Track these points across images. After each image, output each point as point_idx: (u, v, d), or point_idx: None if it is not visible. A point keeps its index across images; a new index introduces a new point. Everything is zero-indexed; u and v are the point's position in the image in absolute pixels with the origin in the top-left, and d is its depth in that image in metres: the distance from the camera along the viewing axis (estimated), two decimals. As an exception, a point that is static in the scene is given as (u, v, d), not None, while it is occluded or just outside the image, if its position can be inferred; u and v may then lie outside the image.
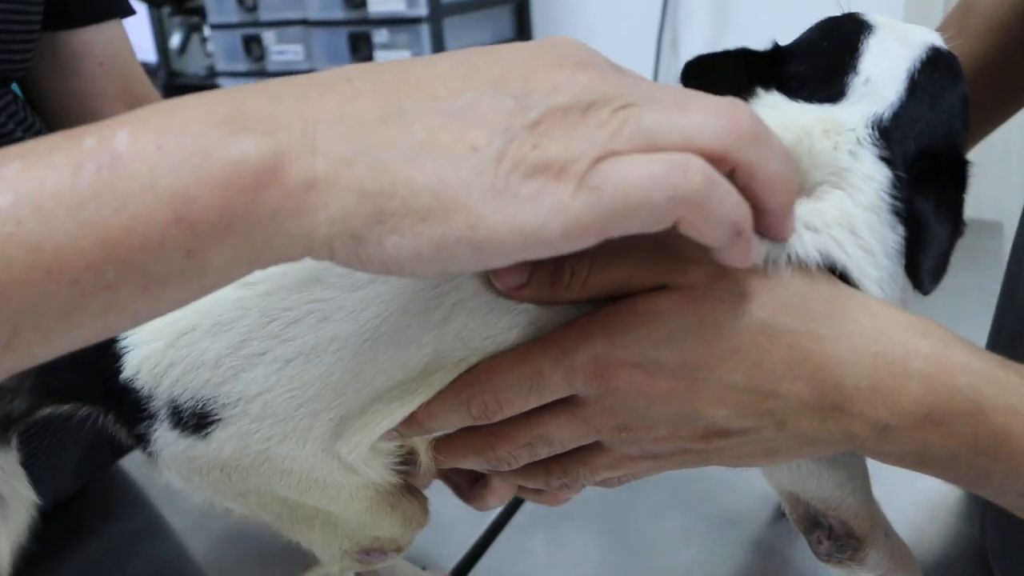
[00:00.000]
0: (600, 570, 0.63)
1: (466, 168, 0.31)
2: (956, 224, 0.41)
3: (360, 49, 1.54)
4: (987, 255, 0.97)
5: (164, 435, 0.44)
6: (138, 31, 2.16)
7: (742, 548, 0.64)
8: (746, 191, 0.34)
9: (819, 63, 0.46)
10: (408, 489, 0.48)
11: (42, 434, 0.63)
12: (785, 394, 0.37)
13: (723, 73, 0.46)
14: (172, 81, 2.14)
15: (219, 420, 0.43)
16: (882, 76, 0.44)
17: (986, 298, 0.80)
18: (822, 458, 0.44)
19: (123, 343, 0.44)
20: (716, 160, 0.32)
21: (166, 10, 2.06)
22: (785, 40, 0.48)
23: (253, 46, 1.70)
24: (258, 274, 0.42)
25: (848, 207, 0.41)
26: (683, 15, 1.62)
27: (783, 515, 0.61)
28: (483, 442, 0.42)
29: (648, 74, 1.64)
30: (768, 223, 0.36)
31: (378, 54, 1.52)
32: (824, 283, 0.38)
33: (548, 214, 0.31)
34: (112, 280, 0.30)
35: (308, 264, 0.43)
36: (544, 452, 0.42)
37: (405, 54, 1.49)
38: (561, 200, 0.31)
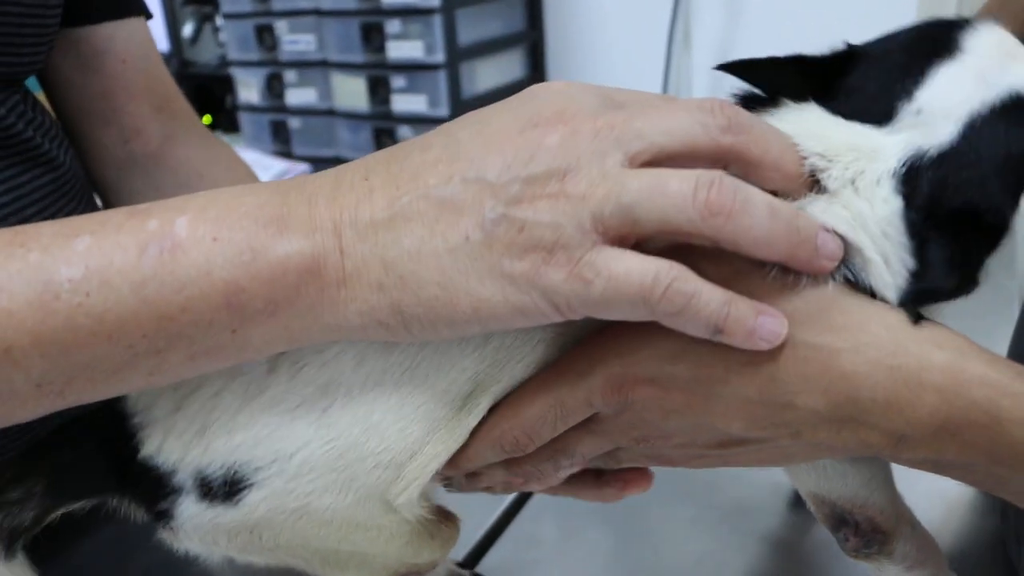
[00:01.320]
0: (611, 559, 0.63)
1: (463, 257, 0.34)
2: (960, 280, 0.39)
3: (372, 39, 1.54)
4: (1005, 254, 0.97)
5: (189, 508, 0.43)
6: (151, 21, 2.17)
7: (753, 538, 0.64)
8: (746, 179, 0.35)
9: (879, 77, 0.42)
10: (441, 515, 0.49)
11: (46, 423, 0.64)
12: (800, 406, 0.37)
13: (762, 80, 0.43)
14: (184, 71, 2.15)
15: (251, 485, 0.42)
16: (939, 111, 0.40)
17: (999, 293, 0.80)
18: (846, 458, 0.43)
19: (135, 420, 0.43)
20: (694, 236, 0.34)
21: (178, 0, 2.06)
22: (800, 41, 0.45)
23: (266, 36, 1.70)
24: None
25: (865, 214, 0.39)
26: (695, 8, 1.62)
27: (797, 504, 0.61)
28: (510, 462, 0.43)
29: (660, 67, 1.63)
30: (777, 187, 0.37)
31: (390, 44, 1.52)
32: (840, 292, 0.38)
33: (540, 297, 0.34)
34: (163, 347, 0.35)
35: None
36: (566, 464, 0.43)
37: (418, 44, 1.49)
38: (554, 284, 0.34)
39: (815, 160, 0.39)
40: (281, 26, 1.67)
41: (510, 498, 0.69)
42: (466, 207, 0.34)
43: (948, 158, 0.39)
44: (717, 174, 0.35)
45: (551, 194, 0.34)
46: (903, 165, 0.39)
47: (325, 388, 0.41)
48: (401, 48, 1.51)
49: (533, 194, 0.34)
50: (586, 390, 0.39)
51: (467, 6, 1.54)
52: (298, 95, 1.73)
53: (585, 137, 0.35)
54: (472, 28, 1.58)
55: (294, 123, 1.76)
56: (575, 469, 0.43)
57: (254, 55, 1.74)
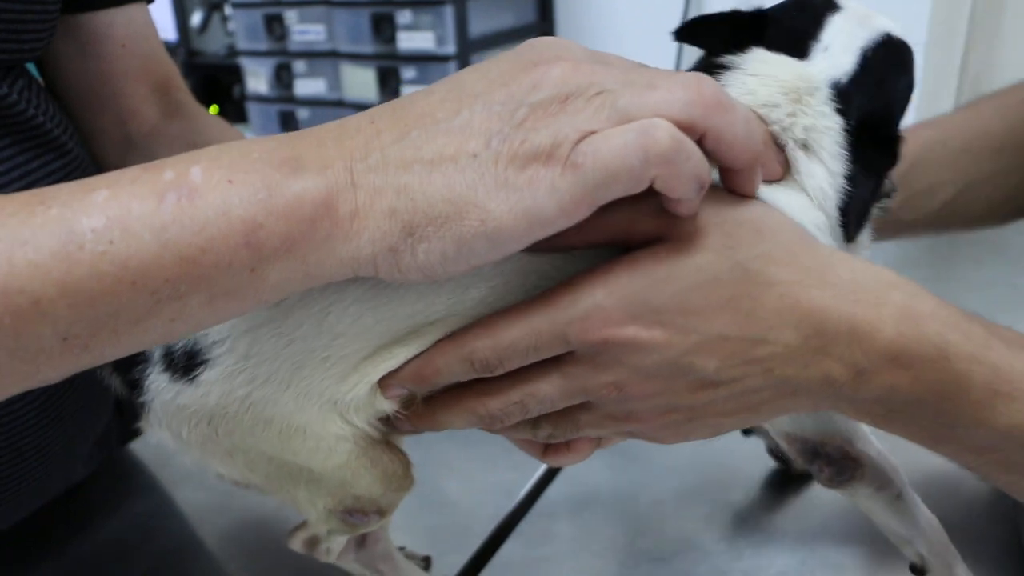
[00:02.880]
0: (625, 555, 0.63)
1: (470, 173, 0.36)
2: (877, 184, 0.46)
3: (383, 30, 1.53)
4: (1014, 250, 0.96)
5: (156, 380, 0.46)
6: (159, 10, 2.16)
7: (768, 534, 0.63)
8: (715, 154, 0.38)
9: (791, 28, 0.51)
10: (388, 446, 0.49)
11: (58, 424, 0.64)
12: (773, 341, 0.40)
13: (713, 33, 0.51)
14: (192, 60, 2.14)
15: (207, 360, 0.44)
16: (839, 47, 0.49)
17: (1012, 292, 0.79)
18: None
19: None
20: (685, 128, 0.36)
21: (187, -12, 2.06)
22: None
23: (275, 25, 1.70)
24: None
25: (818, 168, 0.45)
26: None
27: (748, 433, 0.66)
28: (475, 400, 0.45)
29: (671, 51, 1.62)
30: (736, 181, 0.40)
31: (401, 35, 1.51)
32: (808, 237, 0.42)
33: (543, 197, 0.35)
34: (184, 292, 0.35)
35: None
36: (535, 410, 0.44)
37: (428, 35, 1.48)
38: (551, 182, 0.35)
39: (783, 119, 0.45)
40: (291, 16, 1.66)
41: (522, 494, 0.68)
42: (473, 131, 0.36)
43: (854, 82, 0.47)
44: (699, 75, 0.38)
45: (552, 113, 0.36)
46: (832, 89, 0.47)
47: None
48: (412, 39, 1.51)
49: (536, 115, 0.36)
50: (565, 322, 0.40)
51: (479, -3, 1.53)
52: (307, 85, 1.73)
53: (584, 72, 0.37)
54: (483, 19, 1.57)
55: (303, 113, 1.76)
56: (542, 412, 0.44)
57: (263, 45, 1.73)
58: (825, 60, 0.48)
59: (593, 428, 0.46)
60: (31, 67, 0.76)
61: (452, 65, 1.48)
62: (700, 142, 0.37)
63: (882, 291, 0.40)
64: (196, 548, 0.66)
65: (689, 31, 0.51)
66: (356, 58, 1.60)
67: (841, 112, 0.46)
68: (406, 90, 1.57)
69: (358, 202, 0.36)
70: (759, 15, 0.51)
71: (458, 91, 0.38)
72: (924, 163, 0.66)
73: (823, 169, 0.44)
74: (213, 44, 2.15)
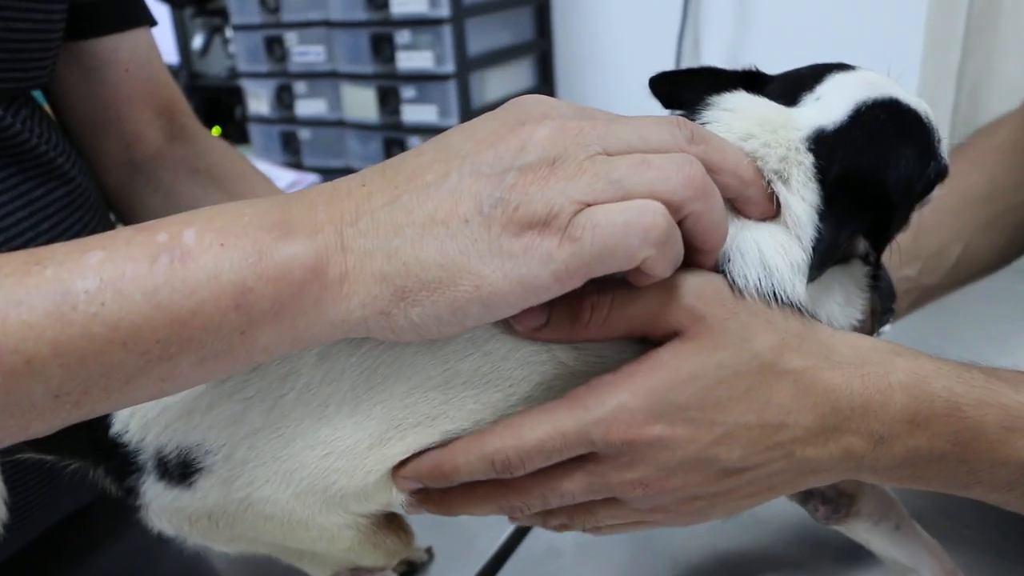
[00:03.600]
0: (630, 572, 0.63)
1: (462, 238, 0.36)
2: (847, 233, 0.44)
3: (382, 50, 1.54)
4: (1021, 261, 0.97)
5: (152, 487, 0.46)
6: (160, 33, 2.18)
7: (772, 550, 0.63)
8: (690, 235, 0.39)
9: (789, 84, 0.49)
10: (391, 527, 0.50)
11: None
12: (792, 424, 0.41)
13: (688, 87, 0.49)
14: (194, 83, 2.16)
15: (202, 469, 0.44)
16: (832, 99, 0.47)
17: (1020, 300, 0.79)
18: None
19: None
20: (673, 209, 0.37)
21: (188, 11, 2.07)
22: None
23: (275, 47, 1.71)
24: None
25: (795, 199, 0.44)
26: (705, 15, 1.62)
27: None
28: (496, 494, 0.44)
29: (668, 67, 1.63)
30: (699, 260, 0.41)
31: (400, 55, 1.52)
32: (808, 322, 0.43)
33: (539, 266, 0.36)
34: (175, 352, 0.36)
35: None
36: (556, 504, 0.44)
37: (427, 55, 1.49)
38: (549, 252, 0.36)
39: (758, 148, 0.44)
40: (291, 37, 1.67)
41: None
42: (463, 195, 0.36)
43: (839, 132, 0.45)
44: (689, 157, 0.39)
45: (543, 177, 0.36)
46: (812, 132, 0.45)
47: (284, 378, 0.43)
48: (411, 58, 1.52)
49: (526, 180, 0.36)
50: (590, 424, 0.40)
51: (476, 16, 1.54)
52: (308, 106, 1.73)
53: (571, 132, 0.37)
54: (481, 38, 1.58)
55: (304, 134, 1.76)
56: (563, 505, 0.44)
57: (264, 67, 1.74)
58: (813, 108, 0.47)
59: (611, 520, 0.45)
60: (37, 94, 0.77)
61: (451, 84, 1.49)
62: (680, 222, 0.38)
63: (886, 361, 0.42)
64: (205, 570, 0.67)
65: (660, 85, 0.50)
66: (356, 78, 1.61)
67: (816, 154, 0.45)
68: (406, 109, 1.58)
69: (348, 266, 0.36)
70: (749, 74, 0.51)
71: (446, 152, 0.38)
72: (926, 229, 0.68)
73: (799, 200, 0.44)
74: (215, 66, 2.16)
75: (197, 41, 2.04)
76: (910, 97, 0.48)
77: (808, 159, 0.44)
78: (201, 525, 0.47)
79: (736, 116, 0.46)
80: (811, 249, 0.43)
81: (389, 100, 1.59)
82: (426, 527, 0.65)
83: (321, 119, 1.72)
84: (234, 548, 0.50)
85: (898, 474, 0.43)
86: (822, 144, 0.45)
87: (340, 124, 1.70)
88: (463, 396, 0.43)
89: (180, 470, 0.45)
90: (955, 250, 0.69)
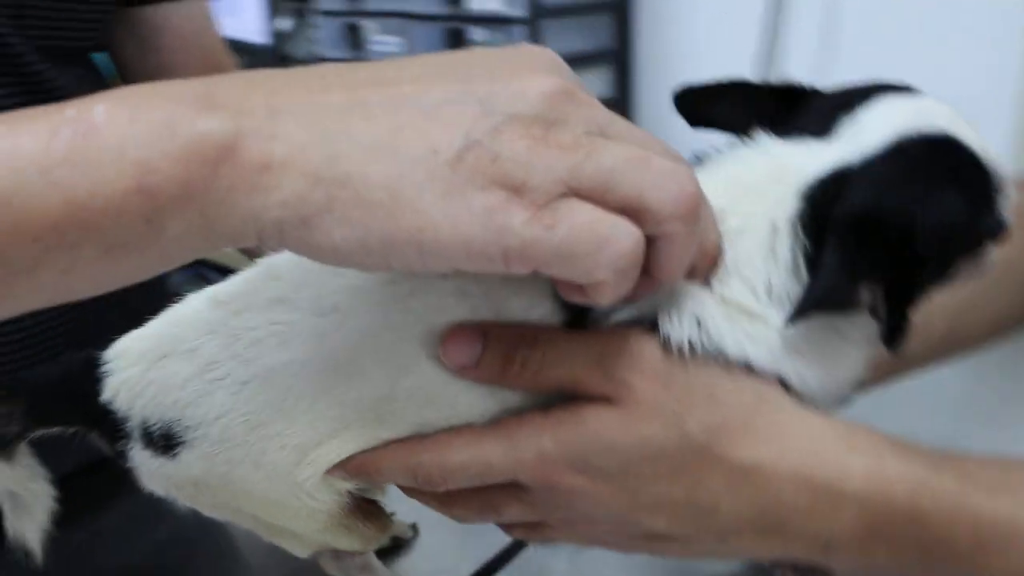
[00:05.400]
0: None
1: (423, 170, 0.31)
2: (839, 285, 0.39)
3: (456, 46, 1.54)
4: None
5: (138, 454, 0.46)
6: (252, 14, 2.23)
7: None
8: (653, 255, 0.35)
9: (828, 105, 0.44)
10: (364, 513, 0.48)
11: None
12: (725, 512, 0.37)
13: (718, 103, 0.45)
14: (284, 65, 2.20)
15: (184, 442, 0.44)
16: (871, 128, 0.41)
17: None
18: None
19: (105, 368, 0.46)
20: (654, 220, 0.33)
21: (279, -5, 2.11)
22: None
23: (355, 35, 1.73)
24: (233, 292, 0.43)
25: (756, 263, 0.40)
26: (787, 35, 1.57)
27: None
28: (439, 499, 0.43)
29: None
30: (647, 286, 0.36)
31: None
32: (767, 396, 0.39)
33: (493, 234, 0.31)
34: (74, 241, 0.31)
35: (279, 284, 0.43)
36: (493, 520, 0.43)
37: (499, 52, 1.49)
38: (510, 224, 0.31)
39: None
40: (370, 26, 1.69)
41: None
42: (440, 120, 0.32)
43: (870, 168, 0.40)
44: (689, 172, 0.34)
45: (534, 136, 0.32)
46: (827, 173, 0.41)
47: (251, 362, 0.43)
48: (483, 55, 1.51)
49: (514, 132, 0.32)
50: (515, 460, 0.38)
51: (554, 17, 1.53)
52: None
53: (577, 99, 0.33)
54: (558, 39, 1.57)
55: (376, 124, 1.78)
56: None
57: (343, 53, 1.77)
58: (845, 139, 0.42)
59: (560, 541, 0.44)
60: (107, 65, 0.80)
61: (521, 84, 1.47)
62: (650, 239, 0.34)
63: (842, 459, 0.37)
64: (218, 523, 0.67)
65: (692, 98, 0.46)
66: (430, 71, 1.61)
67: (810, 200, 0.41)
68: (475, 106, 1.58)
69: (274, 155, 0.31)
70: (791, 88, 0.46)
71: (437, 67, 0.34)
72: None
73: (771, 261, 0.41)
74: (300, 50, 2.20)
75: (285, 23, 2.08)
76: (970, 134, 0.42)
77: (793, 208, 0.41)
78: (187, 491, 0.48)
79: (725, 184, 0.42)
80: (802, 294, 0.40)
81: (459, 96, 1.59)
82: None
83: (394, 110, 1.74)
84: (219, 515, 0.51)
85: (854, 572, 0.40)
86: (837, 184, 0.40)
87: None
88: (405, 408, 0.42)
89: (163, 442, 0.45)
90: (942, 324, 0.61)
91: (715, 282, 0.40)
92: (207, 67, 0.82)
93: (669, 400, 0.37)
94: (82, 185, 0.31)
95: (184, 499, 0.49)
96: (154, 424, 0.45)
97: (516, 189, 0.31)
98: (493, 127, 0.32)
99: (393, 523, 0.52)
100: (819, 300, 0.39)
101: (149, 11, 0.79)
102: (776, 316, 0.40)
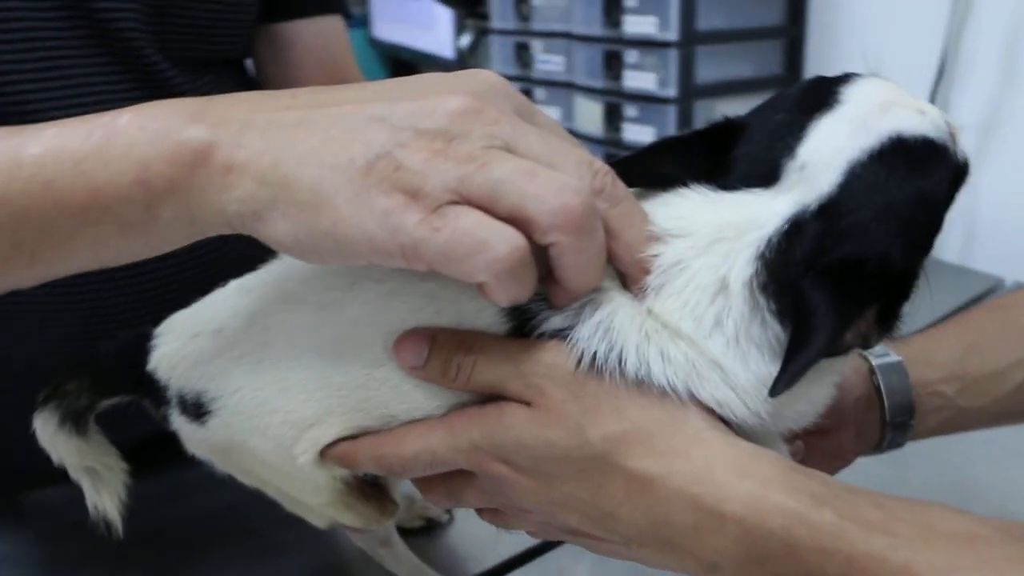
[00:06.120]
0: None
1: (341, 175, 0.37)
2: (831, 335, 0.38)
3: (612, 66, 1.57)
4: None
5: (176, 419, 0.53)
6: (442, 31, 2.36)
7: None
8: (553, 264, 0.38)
9: (763, 140, 0.43)
10: (365, 494, 0.53)
11: None
12: (625, 520, 0.39)
13: (645, 168, 0.45)
14: (468, 79, 2.32)
15: (210, 412, 0.50)
16: (820, 163, 0.40)
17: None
18: None
19: (153, 342, 0.53)
20: (539, 231, 0.36)
21: (462, 12, 2.22)
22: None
23: (523, 53, 1.79)
24: (256, 281, 0.49)
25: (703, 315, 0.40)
26: (962, 71, 1.47)
27: None
28: (418, 486, 0.49)
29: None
30: (556, 295, 0.40)
31: (627, 73, 1.54)
32: (676, 414, 0.40)
33: (390, 233, 0.36)
34: (96, 219, 0.40)
35: (293, 277, 0.49)
36: (458, 505, 0.48)
37: (651, 76, 1.50)
38: (404, 225, 0.36)
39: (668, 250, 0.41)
40: (536, 45, 1.75)
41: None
42: (361, 136, 0.37)
43: (827, 209, 0.39)
44: (587, 186, 0.37)
45: (434, 149, 0.37)
46: (785, 225, 0.40)
47: (263, 345, 0.48)
48: (636, 78, 1.53)
49: (418, 145, 0.37)
50: (453, 449, 0.42)
51: (713, 44, 1.52)
52: (546, 113, 1.80)
53: (484, 117, 0.38)
54: (720, 66, 1.55)
55: (537, 139, 1.84)
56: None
57: (511, 70, 1.84)
58: (791, 189, 0.41)
59: (519, 527, 0.47)
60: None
61: (671, 108, 1.48)
62: (545, 248, 0.38)
63: (728, 482, 0.38)
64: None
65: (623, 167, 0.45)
66: (588, 91, 1.65)
67: (766, 261, 0.40)
68: (627, 127, 1.59)
69: (237, 159, 0.38)
70: (721, 128, 0.45)
71: (377, 92, 0.40)
72: (983, 345, 0.59)
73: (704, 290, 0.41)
74: (479, 65, 2.31)
75: (464, 40, 2.18)
76: (908, 107, 0.41)
77: (750, 270, 0.41)
78: (219, 456, 0.54)
79: (675, 218, 0.43)
80: (785, 359, 0.40)
81: (613, 116, 1.61)
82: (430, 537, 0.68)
83: (555, 127, 1.79)
84: (248, 481, 0.56)
85: None
86: (796, 235, 0.40)
87: (571, 134, 1.75)
88: (377, 398, 0.46)
89: (195, 410, 0.51)
90: (1017, 375, 0.58)
91: (651, 295, 0.41)
92: (329, 77, 0.90)
93: (575, 409, 0.40)
94: (101, 175, 0.39)
95: (218, 463, 0.55)
96: (187, 393, 0.51)
97: (413, 194, 0.36)
98: (401, 141, 0.37)
99: (397, 508, 0.56)
100: (815, 355, 0.39)
101: (284, 26, 0.88)
102: (719, 347, 0.40)
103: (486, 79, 0.40)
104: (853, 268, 0.39)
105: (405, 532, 0.67)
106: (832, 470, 0.60)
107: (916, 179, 0.40)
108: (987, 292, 1.33)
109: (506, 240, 0.36)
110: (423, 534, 0.70)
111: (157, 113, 0.40)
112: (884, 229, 0.39)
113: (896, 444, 0.61)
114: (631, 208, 0.41)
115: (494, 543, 0.68)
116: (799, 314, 0.39)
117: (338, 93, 0.40)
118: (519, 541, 0.68)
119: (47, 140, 0.40)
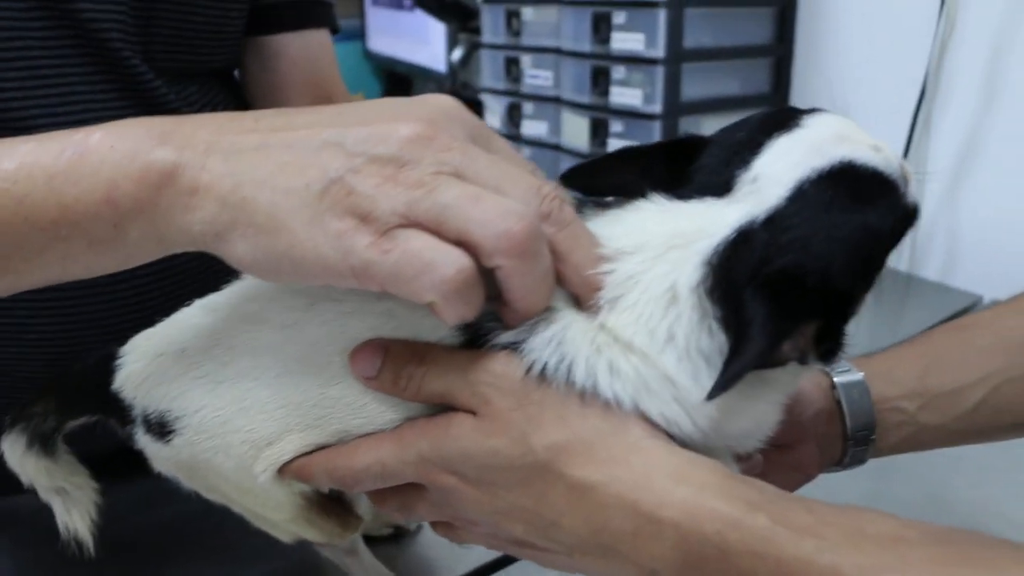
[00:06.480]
0: None
1: (296, 199, 0.38)
2: (766, 345, 0.39)
3: (599, 82, 1.58)
4: None
5: (142, 438, 0.53)
6: (436, 44, 2.38)
7: None
8: (501, 286, 0.39)
9: (722, 153, 0.44)
10: (326, 509, 0.54)
11: None
12: (567, 528, 0.40)
13: (609, 176, 0.47)
14: (463, 92, 2.33)
15: (174, 431, 0.51)
16: (772, 178, 0.42)
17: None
18: None
19: (118, 362, 0.54)
20: (484, 254, 0.38)
21: (455, 27, 2.24)
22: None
23: (512, 68, 1.81)
24: (221, 302, 0.50)
25: (654, 327, 0.41)
26: (945, 90, 1.49)
27: None
28: (372, 499, 0.49)
29: (900, 144, 1.52)
30: (506, 315, 0.41)
31: (613, 89, 1.56)
32: (619, 423, 0.41)
33: (342, 254, 0.38)
34: (66, 235, 0.41)
35: (256, 297, 0.49)
36: (411, 519, 0.51)
37: (636, 92, 1.51)
38: (354, 247, 0.37)
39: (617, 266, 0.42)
40: (526, 60, 1.76)
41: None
42: (316, 161, 0.39)
43: (774, 221, 0.41)
44: (533, 211, 0.38)
45: (385, 175, 0.38)
46: (733, 233, 0.41)
47: (225, 364, 0.48)
48: (622, 94, 1.54)
49: (370, 170, 0.38)
50: (402, 462, 0.43)
51: (698, 61, 1.53)
52: (533, 127, 1.82)
53: (435, 144, 0.39)
54: (705, 83, 1.57)
55: (525, 152, 1.85)
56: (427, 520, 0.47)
57: (501, 85, 1.85)
58: (744, 196, 0.42)
59: (469, 540, 0.48)
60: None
61: (656, 124, 1.49)
62: (492, 271, 0.39)
63: (665, 488, 0.39)
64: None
65: (576, 175, 0.47)
66: (575, 106, 1.66)
67: (713, 267, 0.41)
68: (612, 143, 1.61)
69: (201, 182, 0.40)
70: (682, 142, 0.47)
71: (333, 117, 0.41)
72: (944, 364, 0.60)
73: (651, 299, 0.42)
74: (472, 79, 2.32)
75: (456, 54, 2.20)
76: (861, 143, 0.43)
77: (696, 276, 0.42)
78: (184, 473, 0.55)
79: (626, 234, 0.43)
80: (724, 363, 0.41)
81: (599, 132, 1.63)
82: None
83: (542, 140, 1.80)
84: (213, 498, 0.57)
85: None
86: (743, 244, 0.41)
87: (557, 148, 1.77)
88: (332, 414, 0.47)
89: (159, 429, 0.52)
90: (976, 393, 0.59)
91: (604, 310, 0.42)
92: (315, 88, 0.92)
93: (520, 418, 0.40)
94: (71, 193, 0.40)
95: (185, 481, 0.55)
96: (152, 412, 0.52)
97: (364, 218, 0.37)
98: (354, 167, 0.38)
99: (360, 522, 0.56)
100: (750, 364, 0.40)
101: (271, 39, 0.89)
102: (671, 362, 0.41)
103: (440, 105, 0.41)
104: (793, 281, 0.40)
105: (373, 540, 0.68)
106: (794, 484, 0.61)
107: (860, 206, 0.41)
108: (966, 309, 1.34)
109: (452, 262, 0.37)
110: (392, 542, 0.71)
111: (127, 133, 0.41)
112: (825, 246, 0.40)
113: (858, 460, 0.62)
114: (578, 231, 0.42)
115: (464, 552, 0.68)
116: (738, 323, 0.40)
117: (297, 117, 0.42)
118: (489, 550, 0.69)
119: (21, 156, 0.41)
